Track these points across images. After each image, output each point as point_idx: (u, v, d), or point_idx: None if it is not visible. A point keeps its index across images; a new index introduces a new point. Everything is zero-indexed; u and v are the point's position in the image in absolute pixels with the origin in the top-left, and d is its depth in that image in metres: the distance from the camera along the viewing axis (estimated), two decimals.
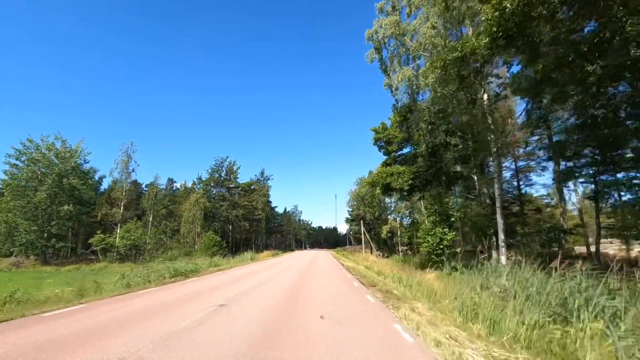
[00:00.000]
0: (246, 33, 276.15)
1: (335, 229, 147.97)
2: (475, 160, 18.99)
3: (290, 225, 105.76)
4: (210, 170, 51.38)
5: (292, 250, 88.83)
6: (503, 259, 14.00)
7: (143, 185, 64.10)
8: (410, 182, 18.90)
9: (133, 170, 45.75)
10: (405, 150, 22.65)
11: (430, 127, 16.78)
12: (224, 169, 52.38)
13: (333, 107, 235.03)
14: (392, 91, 17.90)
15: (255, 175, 71.36)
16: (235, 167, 53.69)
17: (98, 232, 41.11)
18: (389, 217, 50.66)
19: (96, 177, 55.62)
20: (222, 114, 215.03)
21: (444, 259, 18.70)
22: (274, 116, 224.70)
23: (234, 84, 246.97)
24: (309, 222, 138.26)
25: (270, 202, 75.37)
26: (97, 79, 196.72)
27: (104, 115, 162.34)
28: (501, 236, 14.26)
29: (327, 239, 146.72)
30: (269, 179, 72.10)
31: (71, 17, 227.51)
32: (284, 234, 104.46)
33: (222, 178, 52.21)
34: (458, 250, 18.08)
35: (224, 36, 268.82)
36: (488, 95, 15.45)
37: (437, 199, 19.57)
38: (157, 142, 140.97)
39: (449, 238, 18.06)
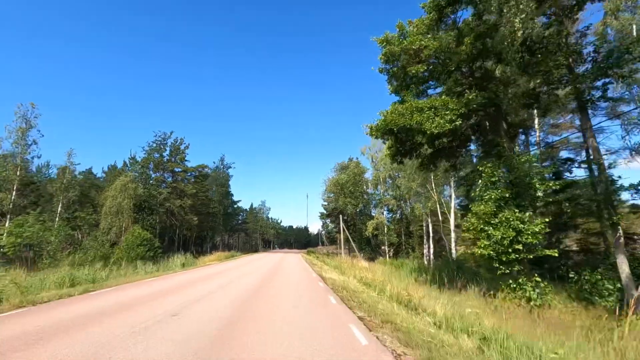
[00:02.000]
0: (227, 24, 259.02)
1: (306, 229, 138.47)
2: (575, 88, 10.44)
3: (256, 223, 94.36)
4: (147, 149, 39.58)
5: (256, 251, 77.87)
6: None
7: (76, 173, 50.55)
8: (459, 121, 9.85)
9: (34, 143, 33.24)
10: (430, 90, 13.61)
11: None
12: (167, 147, 40.90)
13: (311, 104, 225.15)
14: None
15: (214, 162, 60.26)
16: (182, 147, 42.39)
17: None
18: (372, 210, 41.99)
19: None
20: (176, 103, 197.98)
21: (517, 270, 9.88)
22: (250, 109, 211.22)
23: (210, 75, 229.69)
24: (279, 221, 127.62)
25: (232, 194, 64.27)
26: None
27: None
28: None
29: (297, 239, 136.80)
30: (230, 167, 61.18)
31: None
32: (249, 232, 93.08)
33: (164, 159, 40.65)
34: (557, 253, 9.29)
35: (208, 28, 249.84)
36: None
37: (501, 160, 10.73)
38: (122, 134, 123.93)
39: (536, 230, 9.23)
